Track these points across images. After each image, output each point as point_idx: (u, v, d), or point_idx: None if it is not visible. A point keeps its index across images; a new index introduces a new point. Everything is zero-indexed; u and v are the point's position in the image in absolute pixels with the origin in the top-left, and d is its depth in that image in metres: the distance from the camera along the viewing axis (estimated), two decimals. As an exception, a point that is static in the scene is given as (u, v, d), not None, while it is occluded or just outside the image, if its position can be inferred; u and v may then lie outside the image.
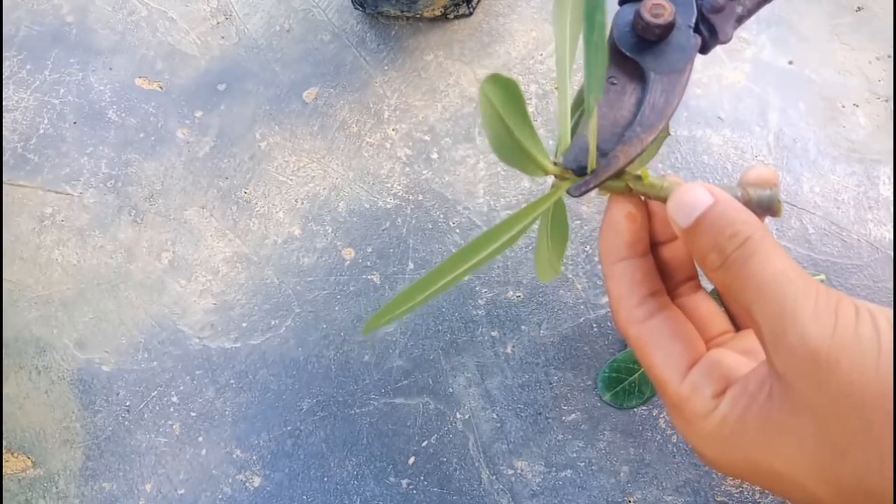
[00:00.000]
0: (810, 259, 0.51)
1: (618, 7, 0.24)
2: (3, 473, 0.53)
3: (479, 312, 0.52)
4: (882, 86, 0.55)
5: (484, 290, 0.53)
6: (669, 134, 0.23)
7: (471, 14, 0.60)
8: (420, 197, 0.56)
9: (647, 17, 0.22)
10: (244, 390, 0.53)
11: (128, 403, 0.53)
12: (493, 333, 0.52)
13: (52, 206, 0.58)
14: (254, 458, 0.51)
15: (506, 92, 0.19)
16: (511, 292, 0.53)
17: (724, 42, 0.23)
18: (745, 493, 0.47)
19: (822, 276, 0.50)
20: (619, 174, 0.23)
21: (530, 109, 0.57)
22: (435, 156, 0.57)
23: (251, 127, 0.59)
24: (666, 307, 0.24)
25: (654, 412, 0.49)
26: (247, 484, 0.51)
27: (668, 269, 0.25)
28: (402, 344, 0.52)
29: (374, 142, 0.58)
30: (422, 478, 0.50)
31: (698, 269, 0.25)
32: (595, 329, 0.51)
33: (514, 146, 0.21)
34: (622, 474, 0.49)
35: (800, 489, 0.19)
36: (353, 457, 0.51)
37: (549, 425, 0.50)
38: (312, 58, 0.61)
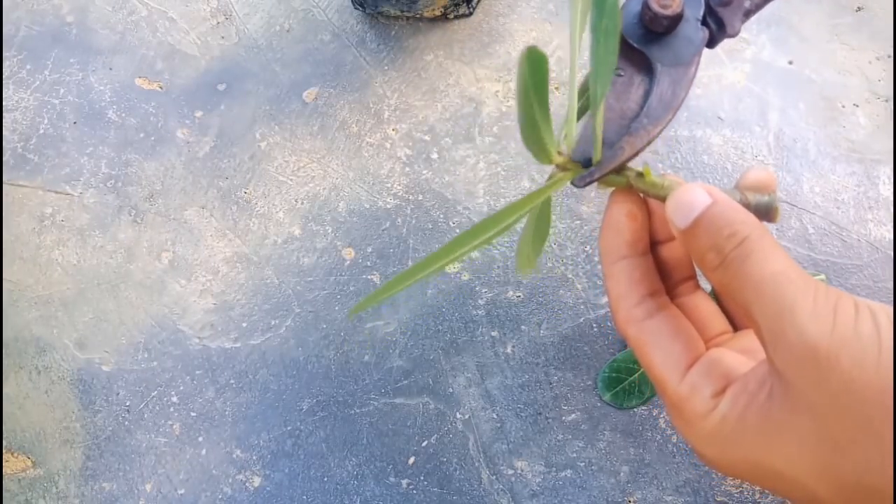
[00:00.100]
0: (810, 259, 0.51)
1: None
2: (3, 473, 0.53)
3: (479, 312, 0.52)
4: (882, 86, 0.55)
5: (484, 290, 0.53)
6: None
7: (471, 14, 0.60)
8: (420, 197, 0.56)
9: (656, 7, 0.22)
10: (244, 390, 0.53)
11: (128, 403, 0.53)
12: (493, 333, 0.52)
13: (52, 206, 0.58)
14: (254, 458, 0.51)
15: (534, 67, 0.19)
16: (511, 292, 0.53)
17: (732, 35, 0.23)
18: (745, 493, 0.47)
19: (822, 276, 0.50)
20: (621, 169, 0.23)
21: (530, 109, 0.57)
22: (435, 156, 0.57)
23: (251, 127, 0.59)
24: (665, 307, 0.24)
25: (654, 412, 0.49)
26: (247, 484, 0.51)
27: (667, 268, 0.25)
28: (402, 344, 0.52)
29: (374, 142, 0.58)
30: (422, 478, 0.50)
31: (697, 269, 0.25)
32: (595, 329, 0.51)
33: (533, 125, 0.21)
34: (622, 474, 0.49)
35: (800, 488, 0.18)
36: (353, 457, 0.51)
37: (549, 425, 0.50)
38: (312, 58, 0.61)
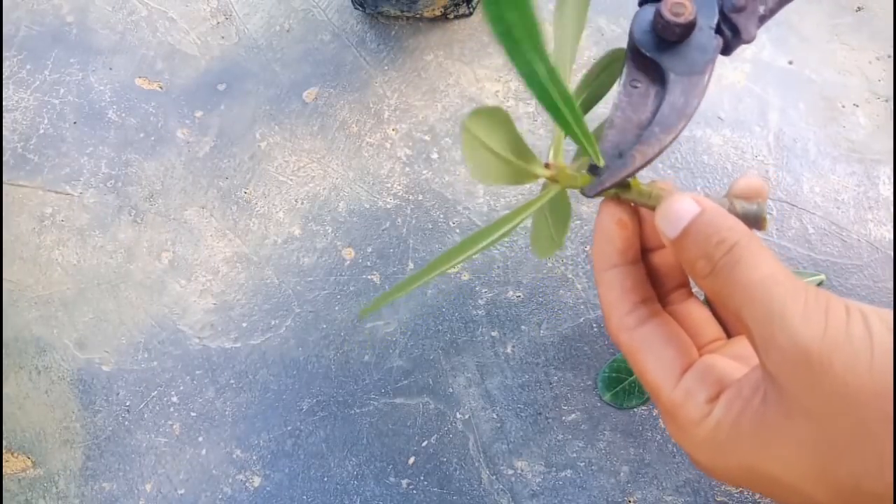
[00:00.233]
0: (810, 259, 0.51)
1: (637, 8, 0.24)
2: (3, 473, 0.53)
3: (479, 312, 0.52)
4: (882, 86, 0.55)
5: (484, 290, 0.53)
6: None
7: (471, 14, 0.60)
8: (420, 197, 0.56)
9: (668, 15, 0.22)
10: (244, 390, 0.53)
11: (128, 403, 0.53)
12: (493, 333, 0.52)
13: (52, 206, 0.58)
14: (254, 458, 0.51)
15: (493, 120, 0.20)
16: (511, 292, 0.53)
17: (748, 41, 0.23)
18: (745, 493, 0.47)
19: (822, 277, 0.50)
20: (625, 183, 0.23)
21: (531, 109, 0.57)
22: (435, 156, 0.57)
23: (251, 127, 0.59)
24: (657, 314, 0.24)
25: (654, 412, 0.49)
26: (247, 484, 0.51)
27: (659, 275, 0.25)
28: (402, 344, 0.52)
29: (374, 142, 0.58)
30: (422, 478, 0.50)
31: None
32: (595, 329, 0.51)
33: (502, 167, 0.21)
34: (622, 474, 0.49)
35: (798, 492, 0.18)
36: (353, 457, 0.51)
37: (549, 425, 0.50)
38: (312, 58, 0.61)
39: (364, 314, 0.25)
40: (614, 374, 0.49)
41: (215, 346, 0.54)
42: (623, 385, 0.49)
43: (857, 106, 0.54)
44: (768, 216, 0.23)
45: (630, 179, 0.23)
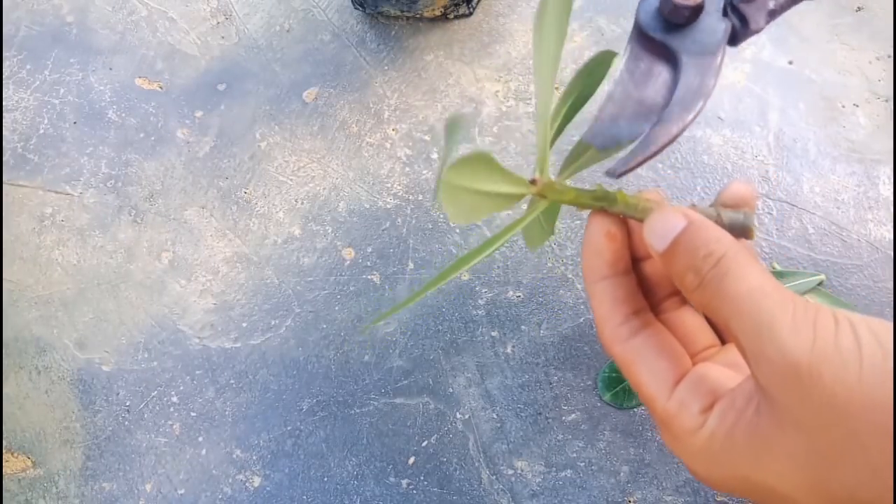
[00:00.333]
0: (810, 259, 0.51)
1: None
2: (3, 473, 0.53)
3: (479, 312, 0.52)
4: (882, 86, 0.55)
5: (484, 290, 0.53)
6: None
7: (471, 14, 0.60)
8: (420, 197, 0.56)
9: None
10: (244, 390, 0.53)
11: (128, 403, 0.53)
12: (493, 333, 0.52)
13: (52, 206, 0.58)
14: (254, 458, 0.51)
15: (476, 166, 0.20)
16: (511, 292, 0.53)
17: (756, 31, 0.23)
18: (745, 493, 0.47)
19: (822, 277, 0.50)
20: (603, 198, 0.23)
21: (530, 109, 0.57)
22: (435, 156, 0.57)
23: (251, 127, 0.59)
24: (650, 324, 0.24)
25: (654, 412, 0.49)
26: (247, 484, 0.51)
27: (650, 284, 0.25)
28: (402, 344, 0.52)
29: (374, 142, 0.58)
30: (422, 478, 0.50)
31: None
32: (595, 329, 0.51)
33: (485, 201, 0.21)
34: (622, 474, 0.49)
35: (792, 503, 0.18)
36: (353, 457, 0.51)
37: (549, 425, 0.50)
38: (312, 58, 0.61)
39: (375, 323, 0.25)
40: (614, 374, 0.49)
41: (215, 346, 0.54)
42: (623, 385, 0.49)
43: (857, 106, 0.54)
44: (756, 225, 0.23)
45: (616, 192, 0.23)
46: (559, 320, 0.52)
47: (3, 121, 0.61)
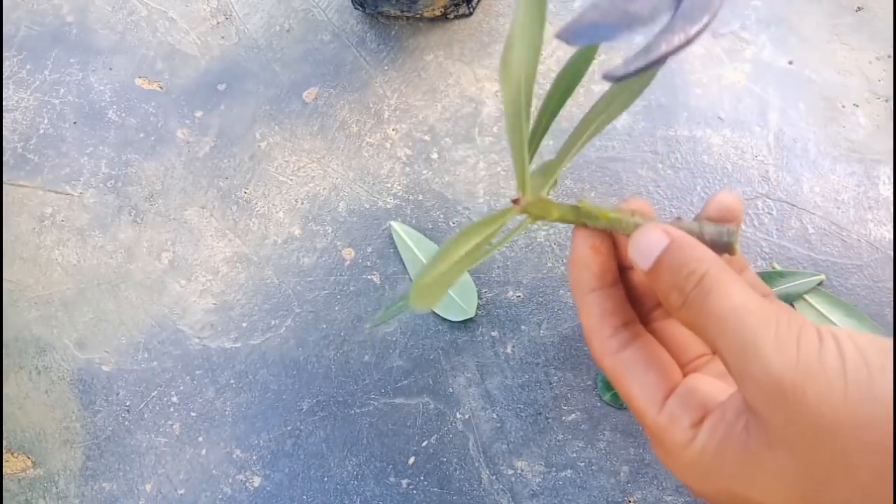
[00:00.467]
0: (810, 259, 0.51)
1: None
2: (3, 473, 0.53)
3: (479, 312, 0.52)
4: (882, 86, 0.55)
5: (484, 290, 0.53)
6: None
7: (471, 14, 0.60)
8: (420, 197, 0.56)
9: None
10: (244, 390, 0.53)
11: (128, 403, 0.53)
12: (493, 333, 0.52)
13: (52, 206, 0.58)
14: (254, 458, 0.51)
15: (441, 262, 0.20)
16: (511, 292, 0.53)
17: None
18: (745, 493, 0.47)
19: (822, 277, 0.50)
20: (587, 215, 0.23)
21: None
22: (435, 156, 0.57)
23: (251, 127, 0.59)
24: (639, 336, 0.23)
25: (654, 412, 0.49)
26: (247, 484, 0.51)
27: (639, 294, 0.25)
28: (402, 344, 0.52)
29: (374, 142, 0.58)
30: (422, 478, 0.50)
31: None
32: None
33: (465, 261, 0.22)
34: (622, 474, 0.49)
35: None
36: (353, 457, 0.51)
37: (549, 425, 0.50)
38: (312, 58, 0.61)
39: (382, 321, 0.25)
40: (614, 374, 0.49)
41: (215, 346, 0.54)
42: (623, 385, 0.49)
43: (857, 106, 0.54)
44: (738, 242, 0.22)
45: (598, 209, 0.23)
46: (559, 320, 0.52)
47: (3, 121, 0.61)
